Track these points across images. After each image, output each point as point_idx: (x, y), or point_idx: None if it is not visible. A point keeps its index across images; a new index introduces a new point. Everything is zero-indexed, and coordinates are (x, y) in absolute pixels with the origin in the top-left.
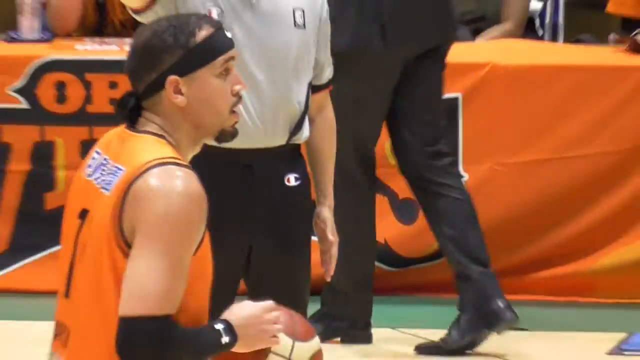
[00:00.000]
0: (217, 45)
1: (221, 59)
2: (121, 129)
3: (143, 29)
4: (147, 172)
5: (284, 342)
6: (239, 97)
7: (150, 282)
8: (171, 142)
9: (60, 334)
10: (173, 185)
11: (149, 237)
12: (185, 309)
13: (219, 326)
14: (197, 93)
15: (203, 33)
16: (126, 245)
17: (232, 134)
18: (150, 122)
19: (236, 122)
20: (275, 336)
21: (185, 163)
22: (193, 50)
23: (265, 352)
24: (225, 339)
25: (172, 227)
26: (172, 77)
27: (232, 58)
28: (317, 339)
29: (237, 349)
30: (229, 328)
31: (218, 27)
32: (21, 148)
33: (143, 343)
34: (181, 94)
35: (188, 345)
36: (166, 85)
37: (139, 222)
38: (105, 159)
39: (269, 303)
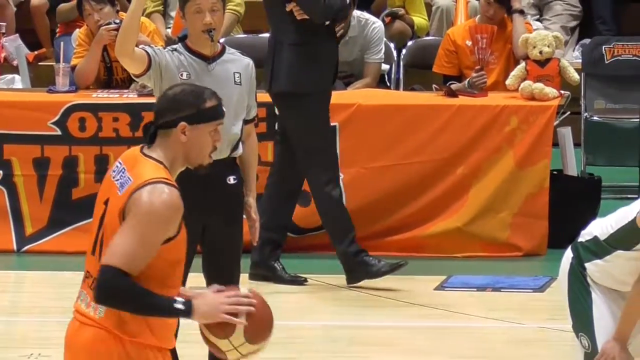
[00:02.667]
0: (216, 113)
1: (215, 122)
2: (137, 151)
3: (176, 86)
4: (145, 186)
5: (239, 337)
6: (215, 148)
7: (122, 247)
8: (166, 165)
9: (87, 278)
10: (157, 196)
11: (133, 222)
12: (166, 285)
13: (177, 298)
14: (194, 138)
15: (210, 103)
16: None
17: (205, 169)
18: (157, 148)
19: (210, 163)
20: (228, 320)
21: (171, 181)
22: (202, 111)
23: (227, 329)
24: (178, 305)
25: (149, 220)
26: (183, 123)
27: (221, 123)
28: (264, 343)
29: (198, 319)
30: (187, 302)
31: (220, 102)
32: (57, 160)
33: (105, 283)
34: (185, 135)
35: (137, 295)
36: (178, 126)
37: (130, 213)
38: (124, 169)
39: (236, 291)
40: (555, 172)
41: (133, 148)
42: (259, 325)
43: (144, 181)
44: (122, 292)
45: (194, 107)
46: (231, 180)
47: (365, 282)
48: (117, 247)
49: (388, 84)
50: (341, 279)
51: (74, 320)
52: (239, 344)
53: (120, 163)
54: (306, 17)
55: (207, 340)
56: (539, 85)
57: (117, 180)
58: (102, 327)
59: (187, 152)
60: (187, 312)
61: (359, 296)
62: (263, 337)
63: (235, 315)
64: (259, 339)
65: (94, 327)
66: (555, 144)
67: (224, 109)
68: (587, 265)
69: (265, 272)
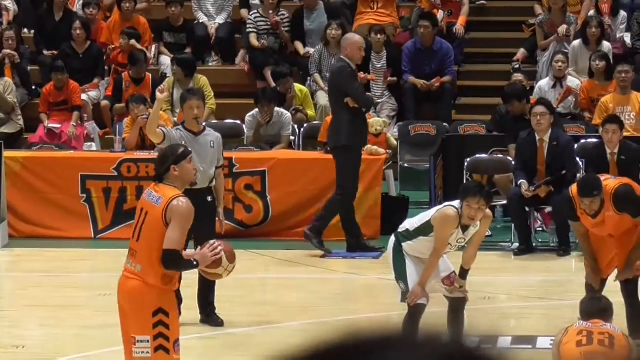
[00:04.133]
0: (185, 153)
1: (187, 157)
2: (156, 184)
3: (161, 150)
4: (173, 200)
5: (224, 261)
6: (196, 170)
7: (175, 237)
8: (176, 187)
9: (131, 251)
10: (183, 204)
11: (176, 222)
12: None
13: (192, 259)
14: (182, 170)
15: (180, 150)
16: (168, 224)
17: (195, 183)
18: (167, 181)
19: (197, 179)
20: (216, 258)
21: (183, 195)
22: (179, 155)
23: (217, 262)
24: (195, 263)
25: (183, 220)
26: (173, 166)
27: (191, 156)
28: (236, 261)
29: (201, 265)
30: (195, 259)
31: (185, 147)
32: (115, 189)
33: (170, 260)
34: (176, 171)
35: (185, 262)
36: (171, 169)
37: (173, 218)
38: (152, 193)
39: (211, 243)
40: (384, 194)
41: (153, 184)
42: (230, 252)
43: (171, 197)
44: (178, 263)
45: (173, 155)
46: (209, 199)
47: (269, 252)
48: (171, 239)
49: (294, 146)
50: (270, 252)
51: (122, 275)
52: (227, 265)
53: (150, 190)
54: (356, 105)
55: (209, 274)
56: (375, 147)
57: (151, 199)
58: (139, 278)
59: (183, 179)
60: (197, 264)
61: (275, 260)
62: (235, 256)
63: (217, 254)
64: (234, 258)
65: (134, 279)
66: (384, 179)
67: (200, 162)
68: (403, 244)
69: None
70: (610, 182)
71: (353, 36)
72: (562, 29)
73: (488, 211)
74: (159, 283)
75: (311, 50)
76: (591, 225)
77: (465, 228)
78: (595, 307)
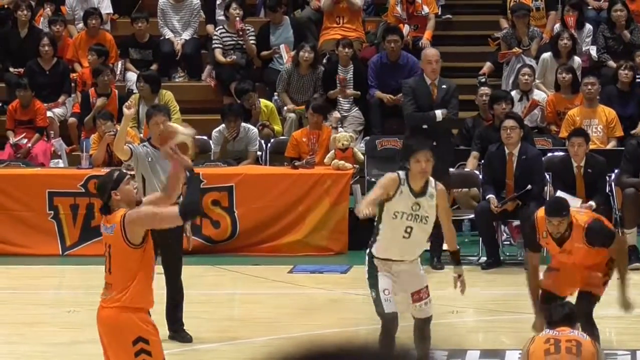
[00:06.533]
0: (122, 176)
1: (125, 179)
2: (104, 216)
3: (100, 177)
4: (124, 217)
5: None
6: (136, 188)
7: (154, 210)
8: (123, 208)
9: (107, 285)
10: (132, 211)
11: (141, 214)
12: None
13: (187, 171)
14: (123, 192)
15: (116, 174)
16: (132, 243)
17: (140, 201)
18: (113, 207)
19: (140, 196)
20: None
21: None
22: (115, 179)
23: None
24: (190, 173)
25: (143, 210)
26: (113, 191)
27: (129, 178)
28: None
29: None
30: (179, 170)
31: (120, 170)
32: (82, 205)
33: (187, 209)
34: (117, 195)
35: (190, 188)
36: (112, 195)
37: (135, 219)
38: (106, 226)
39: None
40: (351, 209)
41: (104, 218)
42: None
43: (121, 216)
44: (191, 203)
45: (110, 181)
46: None
47: (236, 267)
48: (161, 212)
49: (260, 162)
50: (237, 267)
51: (99, 306)
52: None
53: (103, 224)
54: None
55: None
56: (342, 162)
57: (107, 231)
58: (112, 305)
59: (126, 200)
60: (192, 171)
61: (243, 276)
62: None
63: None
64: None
65: (108, 308)
66: (351, 194)
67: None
68: (372, 249)
69: None
70: (581, 216)
71: (427, 50)
72: (516, 50)
73: (441, 185)
74: (134, 304)
75: (281, 50)
76: (556, 251)
77: (418, 195)
78: (559, 314)
